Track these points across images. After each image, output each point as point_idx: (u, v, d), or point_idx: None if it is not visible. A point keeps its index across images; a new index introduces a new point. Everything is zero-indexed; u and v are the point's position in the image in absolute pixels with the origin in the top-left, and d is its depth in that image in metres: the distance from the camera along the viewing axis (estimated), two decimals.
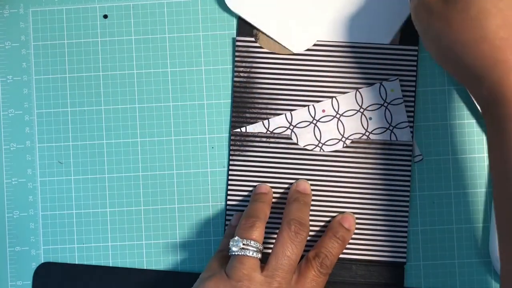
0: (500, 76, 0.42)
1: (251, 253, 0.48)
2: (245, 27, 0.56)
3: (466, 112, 0.56)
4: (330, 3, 0.55)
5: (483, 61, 0.43)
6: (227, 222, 0.56)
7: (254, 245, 0.49)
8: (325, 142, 0.55)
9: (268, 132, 0.55)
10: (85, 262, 0.56)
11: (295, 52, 0.56)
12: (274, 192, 0.55)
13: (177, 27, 0.56)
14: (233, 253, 0.49)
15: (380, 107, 0.55)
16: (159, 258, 0.56)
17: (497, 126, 0.43)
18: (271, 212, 0.54)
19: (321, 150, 0.55)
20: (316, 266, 0.50)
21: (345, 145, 0.55)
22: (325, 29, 0.56)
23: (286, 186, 0.55)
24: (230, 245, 0.49)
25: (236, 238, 0.49)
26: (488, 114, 0.44)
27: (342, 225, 0.53)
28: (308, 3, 0.55)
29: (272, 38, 0.56)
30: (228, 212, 0.56)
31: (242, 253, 0.48)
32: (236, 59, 0.56)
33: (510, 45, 0.42)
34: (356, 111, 0.55)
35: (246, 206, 0.54)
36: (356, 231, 0.55)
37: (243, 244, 0.49)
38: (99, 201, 0.56)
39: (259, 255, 0.49)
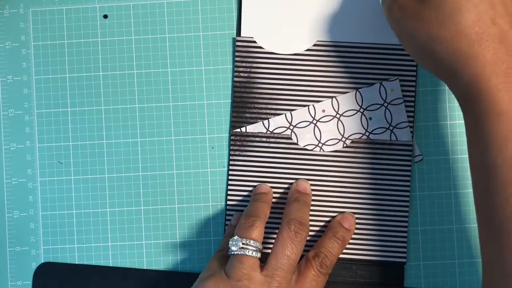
0: (476, 70, 0.43)
1: (250, 252, 0.48)
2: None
3: None
4: (330, 3, 0.55)
5: (459, 56, 0.44)
6: (227, 222, 0.56)
7: (253, 245, 0.49)
8: (325, 142, 0.55)
9: (268, 132, 0.55)
10: (85, 262, 0.56)
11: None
12: (274, 192, 0.55)
13: (177, 27, 0.56)
14: (233, 253, 0.49)
15: (380, 107, 0.55)
16: (159, 258, 0.56)
17: (474, 120, 0.44)
18: (271, 212, 0.54)
19: (321, 150, 0.55)
20: (316, 265, 0.50)
21: (345, 145, 0.55)
22: (325, 29, 0.56)
23: (286, 186, 0.55)
24: (230, 245, 0.49)
25: (236, 237, 0.49)
26: (465, 108, 0.45)
27: (342, 225, 0.53)
28: (308, 3, 0.55)
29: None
30: (228, 212, 0.56)
31: (242, 252, 0.48)
32: (236, 59, 0.56)
33: (485, 39, 0.43)
34: (356, 111, 0.55)
35: (246, 206, 0.54)
36: (356, 231, 0.55)
37: (243, 244, 0.49)
38: (99, 201, 0.56)
39: (259, 255, 0.49)
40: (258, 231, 0.49)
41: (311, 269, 0.50)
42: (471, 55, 0.43)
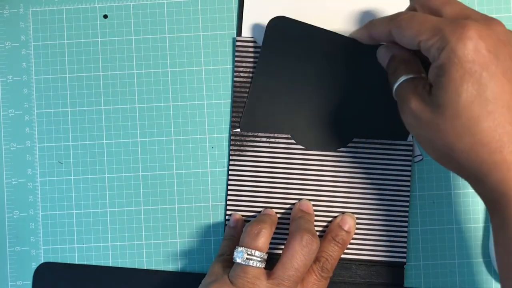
0: (501, 176, 0.42)
1: (255, 263, 0.48)
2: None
3: None
4: (330, 4, 0.55)
5: (481, 164, 0.42)
6: (227, 222, 0.56)
7: (258, 255, 0.48)
8: None
9: None
10: (85, 262, 0.56)
11: None
12: (274, 192, 0.55)
13: (177, 27, 0.56)
14: (237, 262, 0.49)
15: None
16: (159, 258, 0.56)
17: (502, 223, 0.43)
18: None
19: (321, 150, 0.55)
20: (317, 270, 0.50)
21: None
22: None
23: (286, 186, 0.55)
24: (234, 256, 0.48)
25: (240, 248, 0.49)
26: (492, 212, 0.44)
27: (342, 228, 0.53)
28: (308, 4, 0.55)
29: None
30: (228, 212, 0.56)
31: (246, 263, 0.48)
32: (236, 59, 0.56)
33: (505, 144, 0.42)
34: None
35: (246, 206, 0.54)
36: (356, 231, 0.55)
37: (248, 255, 0.48)
38: (99, 201, 0.56)
39: (263, 265, 0.48)
40: (263, 240, 0.49)
41: (312, 274, 0.50)
42: (493, 162, 0.42)
